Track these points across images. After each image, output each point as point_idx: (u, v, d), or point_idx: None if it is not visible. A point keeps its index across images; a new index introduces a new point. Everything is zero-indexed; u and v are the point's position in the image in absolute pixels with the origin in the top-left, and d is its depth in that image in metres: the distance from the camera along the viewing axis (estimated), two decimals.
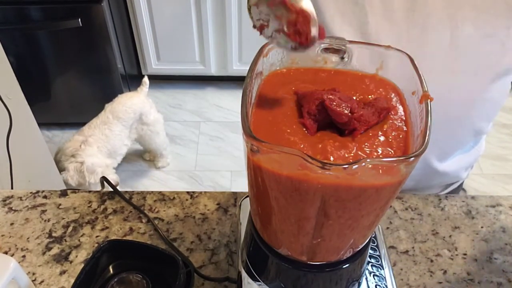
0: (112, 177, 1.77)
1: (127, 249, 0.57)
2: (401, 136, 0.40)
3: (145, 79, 1.94)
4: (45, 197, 0.76)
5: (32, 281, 0.64)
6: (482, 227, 0.73)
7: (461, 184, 0.94)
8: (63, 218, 0.73)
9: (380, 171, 0.36)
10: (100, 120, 1.81)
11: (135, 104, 1.86)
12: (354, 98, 0.43)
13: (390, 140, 0.40)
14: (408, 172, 0.37)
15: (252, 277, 0.52)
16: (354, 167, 0.33)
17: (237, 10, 2.19)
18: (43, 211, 0.74)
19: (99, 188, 1.71)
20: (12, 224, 0.72)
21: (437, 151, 0.77)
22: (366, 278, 0.57)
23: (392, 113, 0.43)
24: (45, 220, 0.73)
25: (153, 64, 2.41)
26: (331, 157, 0.37)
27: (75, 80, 2.19)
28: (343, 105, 0.40)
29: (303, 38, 0.38)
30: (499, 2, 0.62)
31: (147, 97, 1.96)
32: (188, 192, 0.77)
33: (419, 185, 0.84)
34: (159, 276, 0.56)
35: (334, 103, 0.40)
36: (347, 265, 0.47)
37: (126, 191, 0.77)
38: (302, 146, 0.38)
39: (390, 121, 0.42)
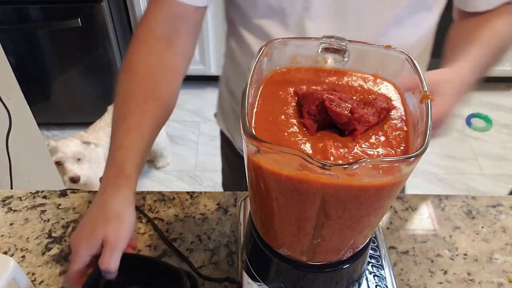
0: (74, 170, 1.60)
1: (131, 262, 0.56)
2: (401, 136, 0.40)
3: None
4: (44, 197, 0.76)
5: (32, 281, 0.64)
6: (482, 227, 0.72)
7: None
8: (63, 218, 0.73)
9: (381, 171, 0.36)
10: (104, 122, 1.80)
11: None
12: (354, 98, 0.43)
13: (391, 140, 0.40)
14: (408, 172, 0.37)
15: (252, 277, 0.52)
16: (354, 167, 0.33)
17: None
18: (43, 211, 0.74)
19: (68, 184, 1.67)
20: (11, 224, 0.72)
21: None
22: (366, 278, 0.57)
23: (392, 113, 0.43)
24: (44, 220, 0.72)
25: None
26: (331, 157, 0.37)
27: (75, 80, 2.19)
28: (343, 105, 0.40)
29: None
30: None
31: None
32: (188, 192, 0.77)
33: None
34: None
35: (334, 103, 0.40)
36: (347, 265, 0.47)
37: None
38: (302, 146, 0.38)
39: (390, 121, 0.42)
